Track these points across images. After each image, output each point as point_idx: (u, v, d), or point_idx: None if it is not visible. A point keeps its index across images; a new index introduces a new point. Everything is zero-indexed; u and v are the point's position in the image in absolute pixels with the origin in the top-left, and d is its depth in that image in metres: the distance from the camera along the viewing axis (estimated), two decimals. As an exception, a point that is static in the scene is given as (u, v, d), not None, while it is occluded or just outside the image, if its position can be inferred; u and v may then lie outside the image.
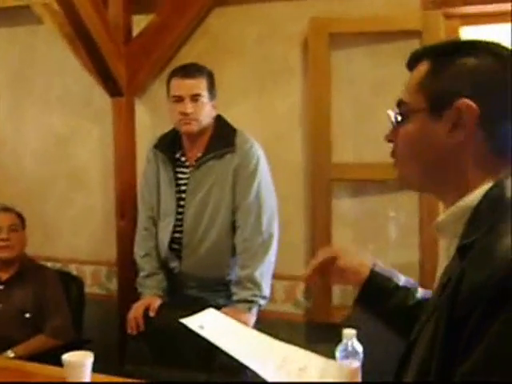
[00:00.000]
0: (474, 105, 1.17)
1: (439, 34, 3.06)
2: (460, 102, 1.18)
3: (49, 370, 2.44)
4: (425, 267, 3.19)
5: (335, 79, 3.25)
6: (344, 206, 3.36)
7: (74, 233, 4.07)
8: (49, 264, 3.54)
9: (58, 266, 3.88)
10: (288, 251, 3.02)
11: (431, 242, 3.13)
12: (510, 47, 1.25)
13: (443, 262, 1.27)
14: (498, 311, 1.00)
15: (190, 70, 2.82)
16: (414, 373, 1.19)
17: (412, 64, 1.31)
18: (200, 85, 2.81)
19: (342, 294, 3.39)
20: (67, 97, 3.98)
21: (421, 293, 1.60)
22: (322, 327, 3.32)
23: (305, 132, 3.38)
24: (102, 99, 3.77)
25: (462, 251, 1.13)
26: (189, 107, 2.78)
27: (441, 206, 3.03)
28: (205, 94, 2.81)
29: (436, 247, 3.09)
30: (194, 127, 2.81)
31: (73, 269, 3.96)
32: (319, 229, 3.34)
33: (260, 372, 1.45)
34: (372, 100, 3.23)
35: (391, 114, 1.31)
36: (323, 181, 3.29)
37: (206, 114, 2.83)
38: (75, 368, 2.19)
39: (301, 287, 3.47)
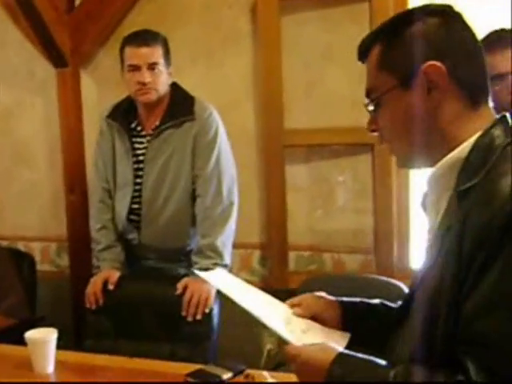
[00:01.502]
0: (438, 63, 1.22)
1: (388, -1, 3.06)
2: (425, 65, 1.22)
3: (10, 349, 2.38)
4: (378, 232, 3.23)
5: (285, 45, 3.23)
6: (297, 172, 3.36)
7: (21, 209, 3.96)
8: (-5, 242, 3.44)
9: (4, 243, 3.77)
10: (242, 219, 3.00)
11: (384, 206, 3.17)
12: (448, 4, 1.32)
13: (431, 216, 1.30)
14: (504, 248, 1.06)
15: (146, 38, 2.74)
16: (419, 321, 1.21)
17: (363, 53, 1.35)
18: (156, 53, 2.74)
19: (297, 260, 3.40)
20: (8, 69, 3.84)
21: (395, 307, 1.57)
22: (278, 293, 3.31)
23: (256, 98, 3.36)
24: (45, 70, 3.67)
25: (460, 197, 1.17)
26: (147, 76, 2.71)
27: (394, 170, 3.08)
28: (161, 61, 2.75)
29: (390, 212, 3.15)
30: (153, 96, 2.75)
31: (21, 246, 3.86)
32: (273, 196, 3.34)
33: (268, 323, 1.44)
34: (323, 65, 3.22)
35: (364, 104, 1.34)
36: (276, 147, 3.28)
37: (163, 82, 2.77)
38: (40, 345, 2.14)
39: (256, 255, 3.48)
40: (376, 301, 1.57)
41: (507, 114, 1.25)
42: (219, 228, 2.75)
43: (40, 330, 2.19)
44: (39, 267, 3.54)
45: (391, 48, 1.28)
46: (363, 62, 1.36)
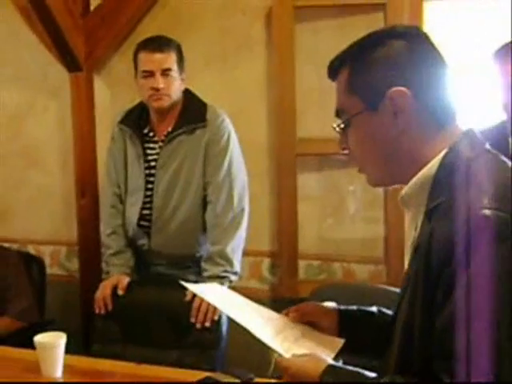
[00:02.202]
0: (403, 89, 1.24)
1: (403, 7, 3.05)
2: (390, 91, 1.24)
3: (18, 353, 2.38)
4: (390, 241, 3.21)
5: (299, 53, 3.22)
6: (309, 181, 3.35)
7: (32, 213, 3.97)
8: (6, 245, 3.43)
9: (15, 246, 3.78)
10: (253, 227, 2.99)
11: (396, 216, 3.14)
12: (414, 26, 1.40)
13: (410, 233, 1.34)
14: (466, 264, 1.07)
15: (160, 44, 2.74)
16: (396, 343, 1.25)
17: (333, 74, 1.38)
18: (170, 59, 2.74)
19: (307, 269, 3.39)
20: (23, 73, 3.85)
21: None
22: (288, 302, 3.29)
23: (269, 106, 3.35)
24: (59, 74, 3.67)
25: (429, 214, 1.19)
26: (160, 82, 2.71)
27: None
28: (175, 67, 2.75)
29: (401, 221, 3.13)
30: (166, 102, 2.75)
31: (31, 249, 3.86)
32: (285, 204, 3.32)
33: (258, 335, 1.45)
34: (337, 73, 3.21)
35: (335, 125, 1.36)
36: (289, 156, 3.27)
37: (176, 88, 2.77)
38: (48, 349, 2.14)
39: (266, 263, 3.47)
40: (373, 308, 1.58)
41: (473, 128, 1.27)
42: (229, 235, 2.74)
43: (49, 334, 2.19)
44: (49, 271, 3.55)
45: (357, 72, 1.30)
46: (333, 81, 1.38)
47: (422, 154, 1.26)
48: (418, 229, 1.26)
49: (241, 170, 2.85)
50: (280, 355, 1.42)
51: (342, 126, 1.34)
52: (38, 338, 2.15)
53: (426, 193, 1.23)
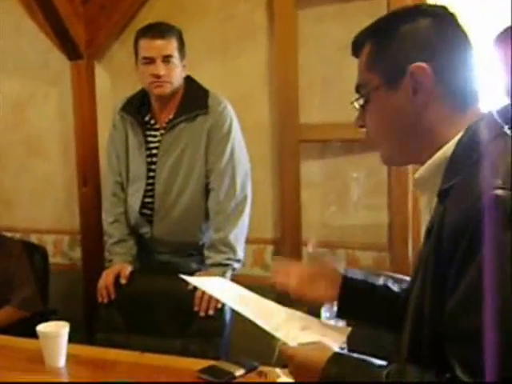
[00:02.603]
0: (425, 65, 1.22)
1: (406, -7, 3.02)
2: (411, 66, 1.23)
3: (22, 343, 2.37)
4: (393, 228, 3.19)
5: (302, 39, 3.20)
6: (312, 168, 3.33)
7: (34, 201, 3.96)
8: (8, 234, 3.43)
9: (17, 236, 3.77)
10: (256, 214, 2.98)
11: (400, 202, 3.13)
12: (442, 5, 1.32)
13: (425, 215, 1.32)
14: (479, 245, 1.05)
15: (160, 30, 2.72)
16: (409, 321, 1.23)
17: (357, 51, 1.36)
18: (171, 45, 2.72)
19: (311, 256, 3.38)
20: (23, 61, 3.83)
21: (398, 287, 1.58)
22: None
23: (272, 93, 3.33)
24: (59, 63, 3.66)
25: (442, 196, 1.17)
26: (161, 69, 2.69)
27: (410, 167, 3.04)
28: (176, 54, 2.73)
29: (405, 207, 3.12)
30: (167, 89, 2.73)
31: (34, 239, 3.86)
32: (288, 191, 3.31)
33: (262, 325, 1.44)
34: (339, 60, 3.18)
35: (353, 99, 1.34)
36: (291, 142, 3.25)
37: (177, 75, 2.75)
38: (51, 339, 2.13)
39: (269, 250, 3.46)
40: (380, 282, 1.57)
41: (493, 111, 1.24)
42: (232, 222, 2.73)
43: (52, 324, 2.19)
44: (52, 260, 3.54)
45: (381, 47, 1.28)
46: (356, 57, 1.36)
47: (439, 134, 1.24)
48: (432, 211, 1.24)
49: (243, 157, 2.84)
50: (285, 343, 1.41)
51: (361, 101, 1.32)
52: (41, 328, 2.14)
53: (441, 175, 1.21)
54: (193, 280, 1.76)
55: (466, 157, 1.17)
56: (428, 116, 1.25)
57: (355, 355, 1.28)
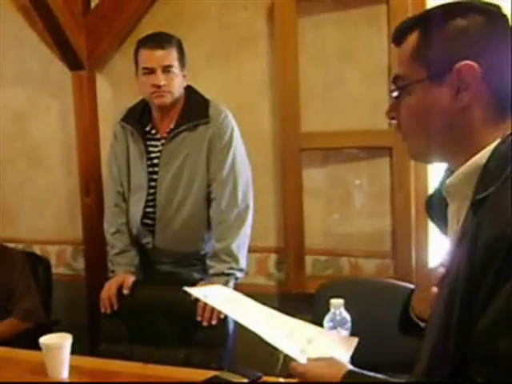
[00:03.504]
0: (474, 64, 1.17)
1: (406, 1, 3.02)
2: (460, 64, 1.17)
3: (25, 354, 2.37)
4: (397, 235, 3.18)
5: (302, 47, 3.19)
6: (314, 176, 3.32)
7: (36, 212, 3.96)
8: (11, 245, 3.43)
9: (20, 247, 3.77)
10: (258, 223, 2.97)
11: (403, 209, 3.13)
12: (496, 4, 1.25)
13: (453, 225, 1.26)
14: None
15: (160, 40, 2.72)
16: (434, 330, 1.17)
17: (399, 38, 1.29)
18: (171, 55, 2.72)
19: (314, 264, 3.37)
20: (24, 72, 3.84)
21: None
22: (295, 298, 3.30)
23: (272, 101, 3.33)
24: (60, 73, 3.66)
25: (476, 207, 1.12)
26: (161, 79, 2.69)
27: (412, 173, 3.04)
28: (176, 64, 2.73)
29: (408, 215, 3.11)
30: (167, 99, 2.73)
31: (36, 249, 3.85)
32: (290, 199, 3.30)
33: (268, 339, 1.42)
34: (340, 67, 3.19)
35: (392, 88, 1.29)
36: (293, 150, 3.24)
37: (177, 84, 2.76)
38: (54, 351, 2.13)
39: (272, 259, 3.45)
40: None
41: None
42: (234, 232, 2.73)
43: (54, 336, 2.19)
44: (55, 270, 3.55)
45: (429, 39, 1.23)
46: (397, 46, 1.31)
47: (476, 138, 1.19)
48: (461, 222, 1.19)
49: (245, 165, 2.83)
50: (293, 359, 1.39)
51: (398, 92, 1.28)
52: (44, 340, 2.14)
53: (472, 184, 1.16)
54: (195, 292, 1.74)
55: (502, 167, 1.11)
56: (468, 118, 1.20)
57: (369, 373, 1.25)
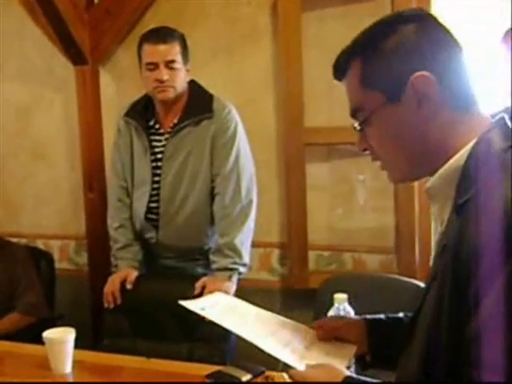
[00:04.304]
0: (424, 73, 1.17)
1: (410, -5, 3.01)
2: (412, 77, 1.17)
3: (28, 349, 2.37)
4: (400, 231, 3.18)
5: (306, 41, 3.18)
6: (318, 171, 3.32)
7: (40, 207, 3.96)
8: (14, 240, 3.43)
9: (23, 241, 3.77)
10: (262, 218, 2.97)
11: (406, 205, 3.12)
12: (419, 8, 1.31)
13: (437, 227, 1.26)
14: (501, 266, 0.98)
15: (163, 35, 2.71)
16: (420, 341, 1.16)
17: (341, 73, 1.30)
18: (174, 50, 2.71)
19: (317, 260, 3.37)
20: (27, 67, 3.84)
21: None
22: (298, 293, 3.30)
23: (276, 96, 3.32)
24: (64, 68, 3.66)
25: (458, 209, 1.11)
26: (164, 74, 2.68)
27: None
28: (179, 59, 2.73)
29: (411, 210, 3.10)
30: (171, 94, 2.73)
31: (39, 244, 3.86)
32: (293, 194, 3.29)
33: (266, 349, 1.41)
34: (344, 62, 3.18)
35: (355, 125, 1.29)
36: (296, 145, 3.24)
37: (181, 79, 2.75)
38: (57, 345, 2.13)
39: (276, 254, 3.45)
40: (400, 314, 1.52)
41: (505, 116, 1.17)
42: (238, 227, 2.72)
43: (58, 330, 2.18)
44: (58, 265, 3.54)
45: (372, 63, 1.22)
46: (340, 81, 1.31)
47: (449, 143, 1.19)
48: (445, 223, 1.19)
49: (248, 160, 2.83)
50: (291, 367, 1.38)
51: (361, 125, 1.27)
52: (47, 334, 2.14)
53: (453, 185, 1.15)
54: (191, 306, 1.72)
55: (481, 168, 1.10)
56: (436, 124, 1.19)
57: (367, 379, 1.25)
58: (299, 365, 1.37)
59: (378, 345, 1.50)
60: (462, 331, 1.03)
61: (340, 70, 1.30)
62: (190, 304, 1.71)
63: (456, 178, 1.15)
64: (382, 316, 1.53)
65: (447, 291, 1.08)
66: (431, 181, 1.23)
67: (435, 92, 1.17)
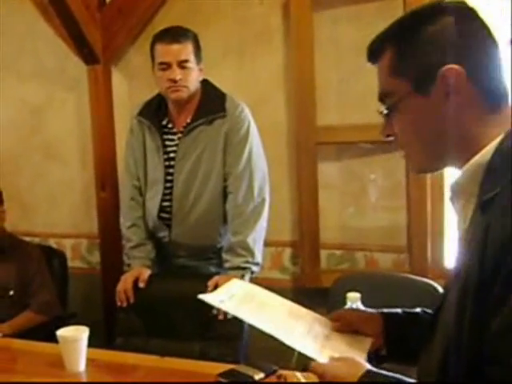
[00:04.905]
0: (456, 66, 1.15)
1: (423, -6, 3.00)
2: (443, 69, 1.16)
3: (42, 347, 2.38)
4: (412, 229, 3.18)
5: (318, 41, 3.19)
6: (329, 170, 3.32)
7: (52, 206, 3.99)
8: (27, 239, 3.45)
9: (36, 240, 3.80)
10: (274, 216, 2.97)
11: (418, 204, 3.12)
12: (461, 1, 1.23)
13: (460, 223, 1.24)
14: None
15: (176, 35, 2.71)
16: (441, 338, 1.16)
17: (374, 56, 1.28)
18: (186, 49, 2.71)
19: (329, 258, 3.37)
20: (40, 66, 3.87)
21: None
22: (310, 292, 3.30)
23: (288, 95, 3.33)
24: (76, 67, 3.68)
25: (484, 207, 1.10)
26: (177, 73, 2.68)
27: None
28: (192, 58, 2.73)
29: (423, 209, 3.09)
30: (184, 94, 2.73)
31: (52, 243, 3.88)
32: (305, 193, 3.30)
33: (286, 341, 1.41)
34: (356, 61, 3.17)
35: (380, 110, 1.27)
36: (308, 144, 3.24)
37: (194, 79, 2.75)
38: (71, 343, 2.14)
39: (287, 253, 3.45)
40: (417, 309, 1.52)
41: None
42: (250, 225, 2.72)
43: (71, 328, 2.19)
44: (70, 264, 3.56)
45: (404, 52, 1.21)
46: (374, 64, 1.29)
47: (475, 138, 1.17)
48: (468, 221, 1.18)
49: (261, 160, 2.83)
50: (312, 359, 1.38)
51: (387, 111, 1.26)
52: (61, 332, 2.15)
53: (477, 182, 1.14)
54: (210, 299, 1.71)
55: (507, 164, 1.10)
56: (463, 119, 1.18)
57: (387, 373, 1.25)
58: (319, 357, 1.37)
59: (394, 339, 1.50)
60: (486, 328, 1.03)
61: (373, 53, 1.28)
62: (208, 298, 1.71)
63: (480, 174, 1.15)
64: (398, 310, 1.53)
65: (471, 288, 1.07)
66: (456, 179, 1.22)
67: (465, 87, 1.16)
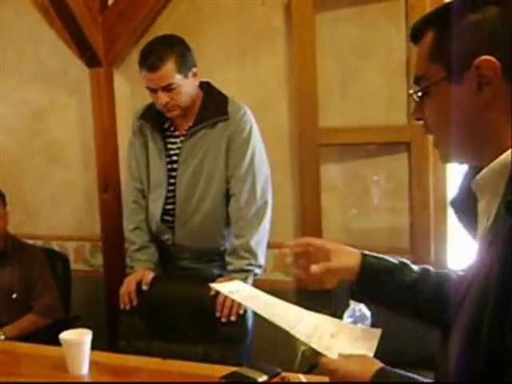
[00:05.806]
0: (493, 59, 1.12)
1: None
2: (478, 59, 1.13)
3: (45, 350, 2.39)
4: (415, 231, 3.18)
5: (320, 42, 3.19)
6: (332, 171, 3.32)
7: (55, 209, 3.99)
8: (30, 242, 3.45)
9: (39, 243, 3.80)
10: (276, 218, 2.97)
11: (421, 205, 3.11)
12: None
13: (482, 220, 1.22)
14: None
15: (152, 63, 2.62)
16: (459, 339, 1.14)
17: (416, 37, 1.27)
18: (167, 74, 2.64)
19: (332, 260, 3.36)
20: (42, 69, 3.87)
21: (417, 269, 1.57)
22: (313, 294, 3.29)
23: (290, 97, 3.33)
24: (78, 70, 3.69)
25: (510, 208, 1.08)
26: (164, 98, 2.65)
27: (431, 169, 3.03)
28: (175, 79, 2.65)
29: (426, 210, 3.09)
30: (177, 112, 2.71)
31: (55, 246, 3.89)
32: (308, 195, 3.30)
33: (296, 334, 1.42)
34: (358, 62, 3.18)
35: (412, 91, 1.27)
36: (311, 146, 3.24)
37: (184, 95, 2.70)
38: (74, 346, 2.15)
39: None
40: (397, 260, 1.57)
41: None
42: (253, 228, 2.72)
43: (74, 331, 2.20)
44: (73, 267, 3.57)
45: (444, 37, 1.19)
46: (415, 44, 1.28)
47: (503, 135, 1.14)
48: (492, 218, 1.16)
49: (263, 162, 2.82)
50: (314, 352, 1.38)
51: (420, 93, 1.25)
52: (64, 335, 2.15)
53: (504, 180, 1.12)
54: (221, 287, 1.74)
55: None
56: (492, 114, 1.15)
57: (400, 372, 1.25)
58: (329, 352, 1.37)
59: (365, 280, 1.52)
60: (506, 329, 1.01)
61: (415, 34, 1.27)
62: (218, 286, 1.72)
63: (506, 173, 1.12)
64: (384, 257, 1.57)
65: (493, 288, 1.05)
66: (481, 174, 1.19)
67: (498, 80, 1.14)
